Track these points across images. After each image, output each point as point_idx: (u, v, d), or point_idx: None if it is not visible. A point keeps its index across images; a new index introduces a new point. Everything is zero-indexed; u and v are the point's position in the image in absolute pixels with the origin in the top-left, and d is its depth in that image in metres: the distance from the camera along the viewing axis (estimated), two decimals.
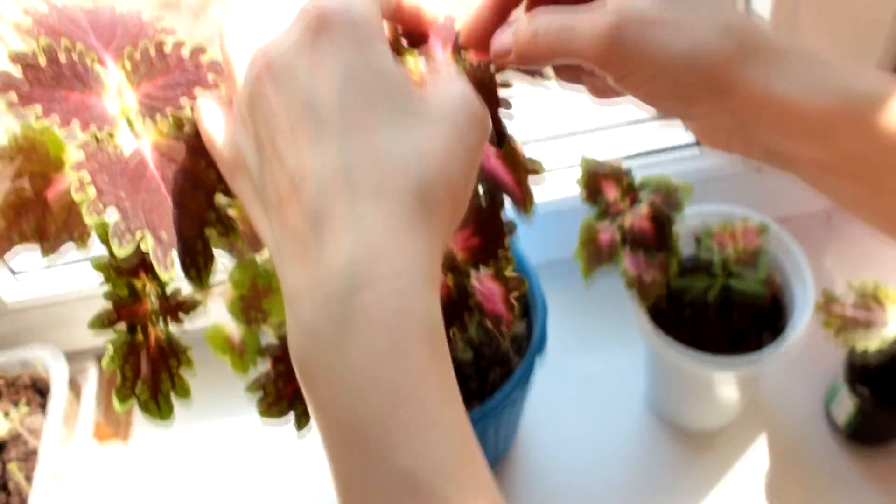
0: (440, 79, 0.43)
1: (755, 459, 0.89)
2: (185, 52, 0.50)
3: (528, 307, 0.77)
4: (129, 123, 0.49)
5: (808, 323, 0.76)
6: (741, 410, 0.89)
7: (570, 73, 0.50)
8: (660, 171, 0.90)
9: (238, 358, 0.61)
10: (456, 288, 0.56)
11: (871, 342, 0.74)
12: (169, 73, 0.50)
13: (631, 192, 0.73)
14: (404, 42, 0.50)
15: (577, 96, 0.54)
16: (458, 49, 0.49)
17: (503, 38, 0.46)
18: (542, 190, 0.89)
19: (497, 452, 0.87)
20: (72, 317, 0.92)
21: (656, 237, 0.73)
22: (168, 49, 0.50)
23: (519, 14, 0.47)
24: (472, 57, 0.49)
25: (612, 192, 0.74)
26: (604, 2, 0.43)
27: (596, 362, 0.97)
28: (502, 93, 0.51)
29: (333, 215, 0.37)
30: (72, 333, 0.93)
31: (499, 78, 0.50)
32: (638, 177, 0.86)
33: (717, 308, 0.81)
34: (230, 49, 0.43)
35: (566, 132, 0.94)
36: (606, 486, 0.89)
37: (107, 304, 0.52)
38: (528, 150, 0.56)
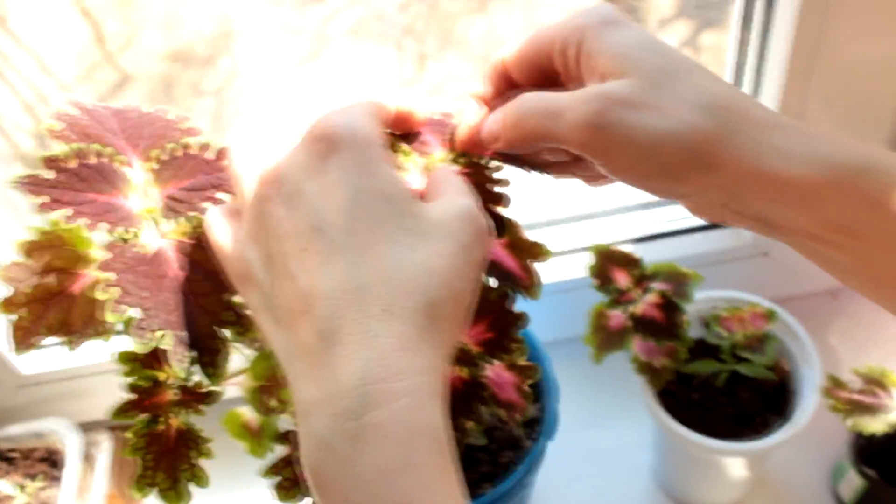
0: (443, 191, 0.45)
1: None
2: (210, 154, 0.52)
3: (540, 390, 0.78)
4: (155, 222, 0.51)
5: (815, 408, 0.76)
6: (749, 488, 0.89)
7: (561, 166, 0.52)
8: (668, 255, 0.93)
9: (256, 442, 0.62)
10: (470, 380, 0.57)
11: (878, 426, 0.74)
12: (193, 175, 0.52)
13: (642, 280, 0.75)
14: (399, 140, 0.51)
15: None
16: (452, 148, 0.51)
17: (491, 125, 0.48)
18: (552, 270, 0.92)
19: None
20: (86, 389, 0.93)
21: (666, 324, 0.74)
22: (193, 150, 0.52)
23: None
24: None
25: (622, 279, 0.75)
26: (584, 86, 0.44)
27: (605, 437, 0.97)
28: (500, 189, 0.51)
29: (345, 334, 0.38)
30: (86, 405, 0.94)
31: (496, 174, 0.52)
32: (647, 259, 0.88)
33: (726, 391, 0.81)
34: (238, 166, 0.44)
35: (574, 215, 0.96)
36: None
37: (129, 395, 0.53)
38: (534, 235, 0.57)
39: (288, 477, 0.58)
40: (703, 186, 0.44)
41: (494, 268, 0.57)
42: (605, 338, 0.75)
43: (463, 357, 0.57)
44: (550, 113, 0.45)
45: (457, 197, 0.44)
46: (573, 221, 0.96)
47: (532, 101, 0.46)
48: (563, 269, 0.92)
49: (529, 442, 0.76)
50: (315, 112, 0.43)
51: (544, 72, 0.49)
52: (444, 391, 0.40)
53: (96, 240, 0.50)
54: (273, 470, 0.58)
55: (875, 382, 0.76)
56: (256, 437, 0.62)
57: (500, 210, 0.51)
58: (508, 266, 0.58)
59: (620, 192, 0.95)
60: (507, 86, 0.51)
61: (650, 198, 0.96)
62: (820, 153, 0.42)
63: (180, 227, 0.51)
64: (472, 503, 0.70)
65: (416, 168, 0.51)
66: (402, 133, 0.51)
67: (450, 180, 0.46)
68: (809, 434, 0.80)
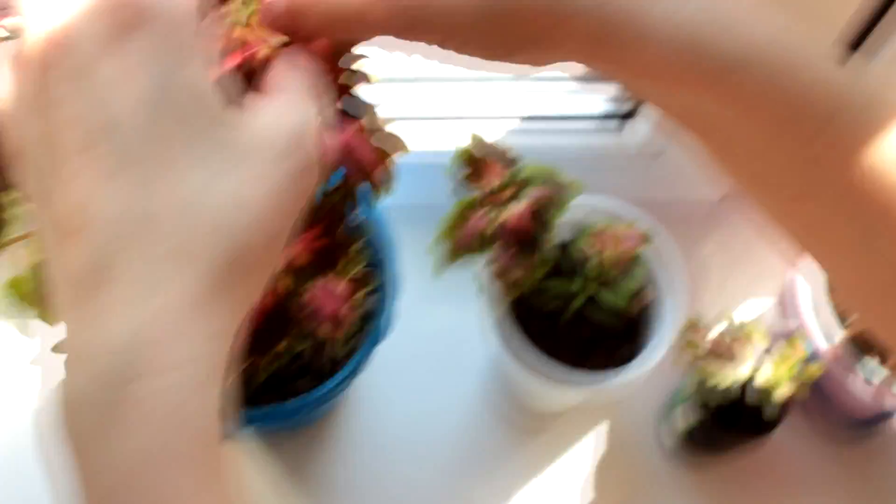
0: (277, 93, 0.36)
1: (588, 447, 0.87)
2: None
3: (377, 285, 0.69)
4: None
5: (666, 349, 0.72)
6: (584, 400, 0.86)
7: None
8: (549, 142, 0.84)
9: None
10: (285, 297, 0.48)
11: (725, 380, 0.71)
12: None
13: (515, 183, 0.66)
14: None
15: None
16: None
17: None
18: (415, 135, 0.83)
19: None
20: None
21: (531, 238, 0.66)
22: None
23: None
24: None
25: (495, 178, 0.66)
26: None
27: (445, 317, 0.91)
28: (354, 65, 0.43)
29: (121, 274, 0.31)
30: None
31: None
32: (525, 143, 0.79)
33: (578, 313, 0.75)
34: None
35: (452, 76, 0.85)
36: (436, 445, 0.86)
37: None
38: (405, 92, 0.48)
39: None
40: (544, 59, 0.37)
41: (343, 157, 0.47)
42: (463, 239, 0.67)
43: (285, 268, 0.48)
44: None
45: (292, 104, 0.35)
46: (448, 82, 0.85)
47: None
48: (428, 137, 0.83)
49: (360, 335, 0.68)
50: None
51: None
52: (228, 361, 0.33)
53: None
54: None
55: (735, 331, 0.72)
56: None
57: (355, 91, 0.43)
58: (361, 154, 0.48)
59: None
60: None
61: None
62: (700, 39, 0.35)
63: None
64: (284, 403, 0.63)
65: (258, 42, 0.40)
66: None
67: (289, 77, 0.37)
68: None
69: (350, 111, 0.44)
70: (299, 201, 0.34)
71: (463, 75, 0.85)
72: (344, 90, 0.43)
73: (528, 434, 0.87)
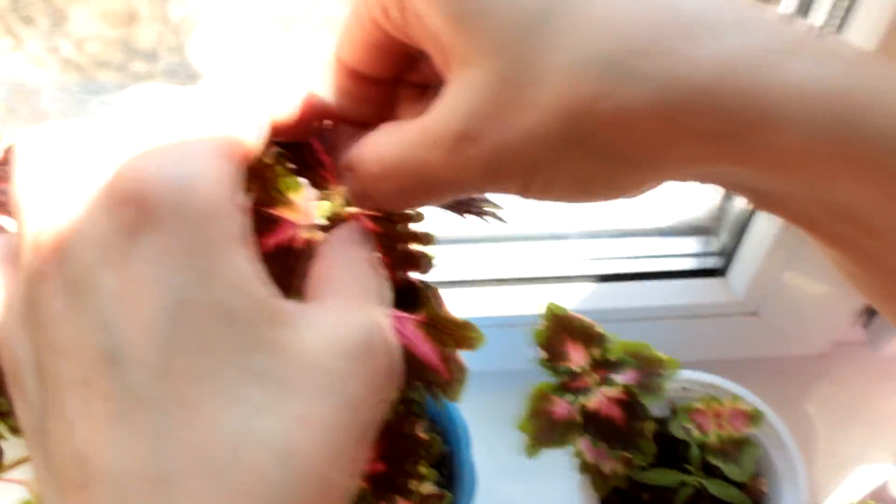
0: (332, 288, 0.29)
1: None
2: None
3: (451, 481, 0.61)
4: None
5: None
6: None
7: None
8: (638, 301, 0.76)
9: None
10: None
11: None
12: None
13: (603, 364, 0.57)
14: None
15: None
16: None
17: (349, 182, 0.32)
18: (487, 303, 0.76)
19: None
20: None
21: (625, 428, 0.57)
22: None
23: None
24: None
25: (578, 358, 0.58)
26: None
27: (528, 496, 0.81)
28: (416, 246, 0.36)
29: None
30: None
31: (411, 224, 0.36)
32: (609, 303, 0.71)
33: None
34: (21, 194, 0.27)
35: (526, 234, 0.78)
36: None
37: None
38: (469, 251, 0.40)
39: None
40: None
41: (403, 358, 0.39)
42: (545, 428, 0.58)
43: None
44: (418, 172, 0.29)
45: (352, 304, 0.28)
46: (521, 241, 0.78)
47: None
48: (503, 301, 0.75)
49: None
50: (129, 149, 0.26)
51: (390, 51, 0.32)
52: None
53: None
54: None
55: None
56: None
57: (416, 276, 0.36)
58: (422, 354, 0.40)
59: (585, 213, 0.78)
60: (358, 87, 0.34)
61: (622, 223, 0.79)
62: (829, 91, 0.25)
63: None
64: None
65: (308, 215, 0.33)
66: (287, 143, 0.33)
67: (345, 265, 0.30)
68: None
69: (408, 299, 0.37)
70: (365, 436, 0.26)
71: (537, 233, 0.79)
72: (405, 269, 0.36)
73: None
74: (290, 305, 0.26)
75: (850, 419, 0.87)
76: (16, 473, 0.44)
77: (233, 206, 0.25)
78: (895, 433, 0.86)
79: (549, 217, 0.78)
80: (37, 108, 0.77)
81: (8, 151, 0.35)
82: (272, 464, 0.24)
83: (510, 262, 0.78)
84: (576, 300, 0.75)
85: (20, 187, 0.27)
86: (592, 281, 0.77)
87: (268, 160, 0.32)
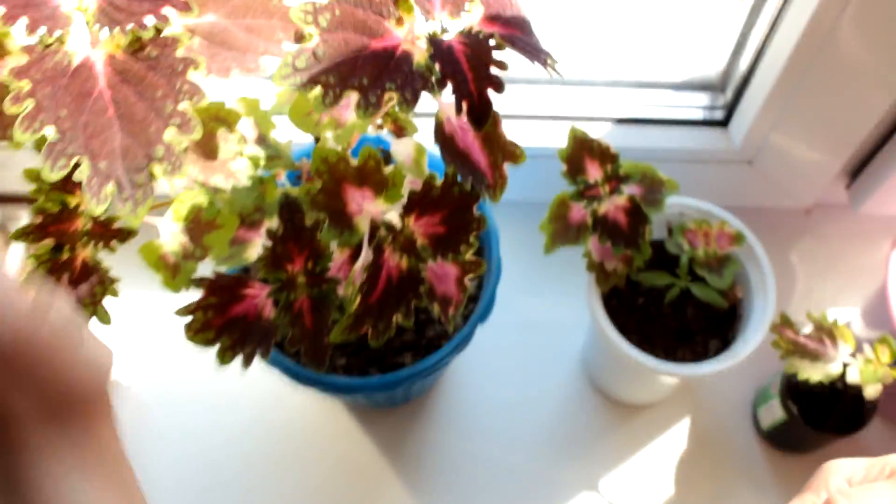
0: None
1: (674, 439, 0.89)
2: None
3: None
4: (88, 26, 0.44)
5: (759, 343, 0.74)
6: (672, 393, 0.89)
7: None
8: (647, 143, 0.87)
9: (171, 277, 0.58)
10: (408, 273, 0.53)
11: (816, 374, 0.73)
12: None
13: (614, 178, 0.70)
14: None
15: None
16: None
17: None
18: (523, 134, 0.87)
19: (418, 391, 0.86)
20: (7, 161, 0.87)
21: (629, 232, 0.69)
22: None
23: None
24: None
25: (594, 172, 0.70)
26: None
27: (541, 309, 0.95)
28: (497, 71, 0.45)
29: None
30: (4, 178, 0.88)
31: (497, 54, 0.45)
32: (623, 142, 0.82)
33: (672, 305, 0.79)
34: None
35: (556, 79, 0.89)
36: (526, 432, 0.89)
37: (34, 218, 0.47)
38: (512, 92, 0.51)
39: (199, 319, 0.55)
40: None
41: (461, 160, 0.51)
42: (562, 229, 0.71)
43: (407, 246, 0.52)
44: None
45: None
46: (552, 84, 0.89)
47: None
48: (537, 135, 0.87)
49: (459, 318, 0.73)
50: None
51: None
52: None
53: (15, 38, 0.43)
54: (186, 310, 0.55)
55: (824, 331, 0.74)
56: (172, 272, 0.57)
57: (491, 94, 0.45)
58: (476, 160, 0.51)
59: (610, 65, 0.89)
60: None
61: (642, 76, 0.90)
62: None
63: (115, 39, 0.44)
64: (388, 375, 0.68)
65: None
66: None
67: None
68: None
69: (479, 116, 0.45)
70: None
71: (567, 79, 0.89)
72: (485, 87, 0.45)
73: (617, 424, 0.90)
74: None
75: (828, 270, 0.99)
76: None
77: None
78: (865, 283, 0.98)
79: (578, 65, 0.89)
80: None
81: None
82: None
83: (544, 102, 0.89)
84: (597, 136, 0.86)
85: None
86: (612, 122, 0.88)
87: None
